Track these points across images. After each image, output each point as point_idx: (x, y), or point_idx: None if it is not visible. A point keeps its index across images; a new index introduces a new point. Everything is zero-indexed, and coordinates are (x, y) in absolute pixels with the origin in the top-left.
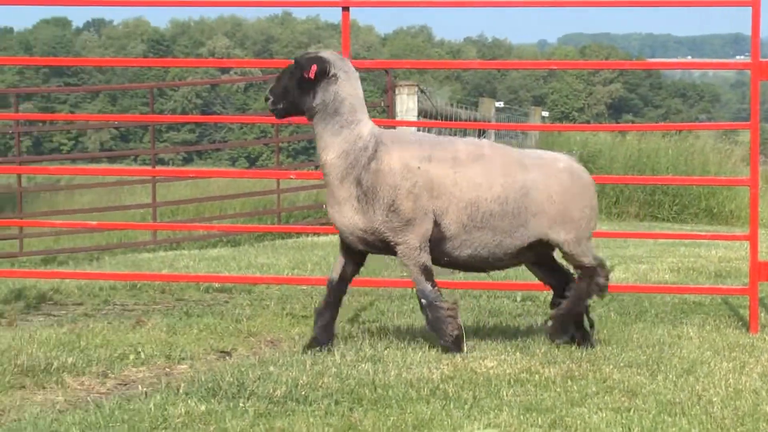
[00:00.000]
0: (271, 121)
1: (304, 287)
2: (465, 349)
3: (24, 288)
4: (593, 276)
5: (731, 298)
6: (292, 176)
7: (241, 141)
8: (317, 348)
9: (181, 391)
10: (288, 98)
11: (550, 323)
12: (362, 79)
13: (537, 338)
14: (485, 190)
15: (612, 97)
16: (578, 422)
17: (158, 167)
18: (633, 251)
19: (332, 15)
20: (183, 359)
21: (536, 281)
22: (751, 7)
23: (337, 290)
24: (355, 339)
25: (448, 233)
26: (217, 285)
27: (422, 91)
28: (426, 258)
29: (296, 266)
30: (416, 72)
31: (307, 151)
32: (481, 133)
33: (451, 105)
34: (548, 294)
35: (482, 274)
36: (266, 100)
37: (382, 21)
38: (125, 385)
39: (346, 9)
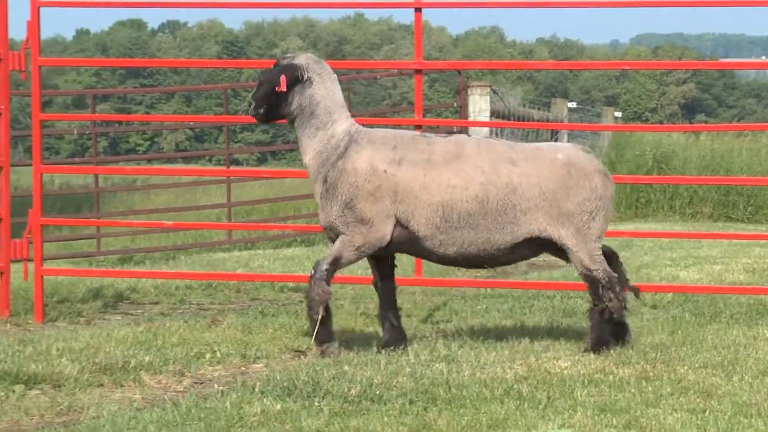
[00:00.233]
0: None
1: None
2: (314, 336)
3: (102, 287)
4: (603, 298)
5: None
6: None
7: None
8: (392, 348)
9: (256, 389)
10: (268, 104)
11: (588, 347)
12: (435, 80)
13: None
14: (460, 191)
15: (685, 97)
16: (653, 423)
17: (233, 167)
18: (707, 252)
19: (404, 16)
20: (258, 358)
21: None
22: None
23: (384, 290)
24: (429, 339)
25: (420, 234)
26: (291, 284)
27: (495, 92)
28: (352, 257)
29: (369, 266)
30: (488, 73)
31: None
32: (554, 134)
33: (524, 105)
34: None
35: (555, 274)
36: (249, 105)
37: (454, 22)
38: (201, 383)
39: (418, 10)
